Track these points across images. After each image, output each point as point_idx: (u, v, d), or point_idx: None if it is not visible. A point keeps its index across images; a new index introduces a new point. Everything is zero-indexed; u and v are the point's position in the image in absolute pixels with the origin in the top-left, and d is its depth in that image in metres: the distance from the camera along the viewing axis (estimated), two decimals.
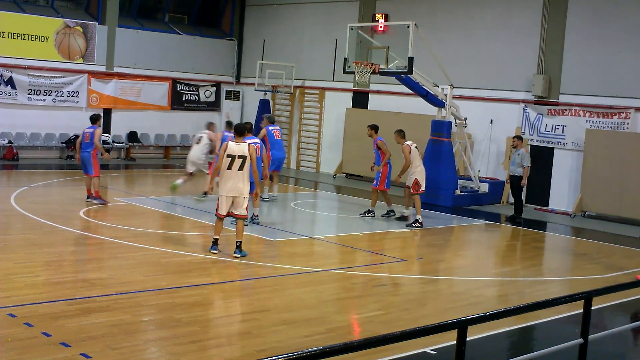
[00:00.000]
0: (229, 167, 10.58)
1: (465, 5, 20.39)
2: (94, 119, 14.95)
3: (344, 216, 15.63)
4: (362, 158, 21.39)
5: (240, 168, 10.56)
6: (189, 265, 10.17)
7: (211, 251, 10.81)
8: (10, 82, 21.21)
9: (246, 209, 10.77)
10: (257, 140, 13.21)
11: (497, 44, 19.59)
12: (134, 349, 6.92)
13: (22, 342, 6.76)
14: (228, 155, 10.61)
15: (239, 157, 10.57)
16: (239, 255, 10.68)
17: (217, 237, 10.87)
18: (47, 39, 21.88)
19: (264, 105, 24.23)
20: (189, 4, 26.40)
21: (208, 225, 13.23)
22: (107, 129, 23.50)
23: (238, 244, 10.75)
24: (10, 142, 21.31)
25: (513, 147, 16.99)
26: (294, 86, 24.27)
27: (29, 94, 21.58)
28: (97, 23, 22.93)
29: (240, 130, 10.88)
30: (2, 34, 21.08)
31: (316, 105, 23.95)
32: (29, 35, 21.55)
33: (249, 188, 10.79)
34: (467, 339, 4.49)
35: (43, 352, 6.55)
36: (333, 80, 23.27)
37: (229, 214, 10.79)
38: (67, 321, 7.42)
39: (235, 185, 10.60)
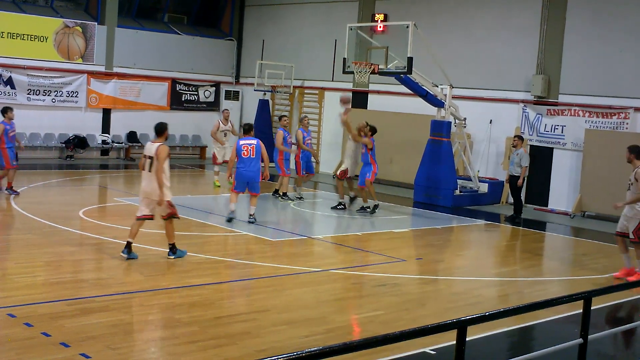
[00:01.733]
0: (144, 167, 10.32)
1: (464, 6, 20.39)
2: (1, 112, 14.91)
3: (343, 216, 15.62)
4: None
5: (150, 169, 10.18)
6: (188, 266, 10.16)
7: (122, 254, 10.13)
8: (9, 82, 21.20)
9: (168, 206, 10.18)
10: (253, 142, 13.25)
11: (496, 44, 19.58)
12: (134, 349, 6.92)
13: (22, 342, 6.76)
14: (144, 155, 10.37)
15: (148, 157, 10.23)
16: (172, 257, 10.29)
17: (130, 240, 10.19)
18: (46, 39, 21.87)
19: (263, 106, 24.23)
20: (188, 4, 26.40)
21: (208, 225, 13.24)
22: (106, 129, 23.52)
23: (170, 246, 10.36)
24: None
25: (513, 147, 16.97)
26: (293, 86, 24.27)
27: (28, 94, 21.57)
28: (96, 23, 22.93)
29: (158, 130, 10.37)
30: (1, 34, 21.07)
31: (315, 105, 23.94)
32: (28, 35, 21.54)
33: (159, 190, 10.04)
34: (467, 339, 4.49)
35: (42, 352, 6.55)
36: (332, 81, 23.27)
37: (147, 217, 10.31)
38: (66, 321, 7.41)
39: (146, 186, 10.24)
